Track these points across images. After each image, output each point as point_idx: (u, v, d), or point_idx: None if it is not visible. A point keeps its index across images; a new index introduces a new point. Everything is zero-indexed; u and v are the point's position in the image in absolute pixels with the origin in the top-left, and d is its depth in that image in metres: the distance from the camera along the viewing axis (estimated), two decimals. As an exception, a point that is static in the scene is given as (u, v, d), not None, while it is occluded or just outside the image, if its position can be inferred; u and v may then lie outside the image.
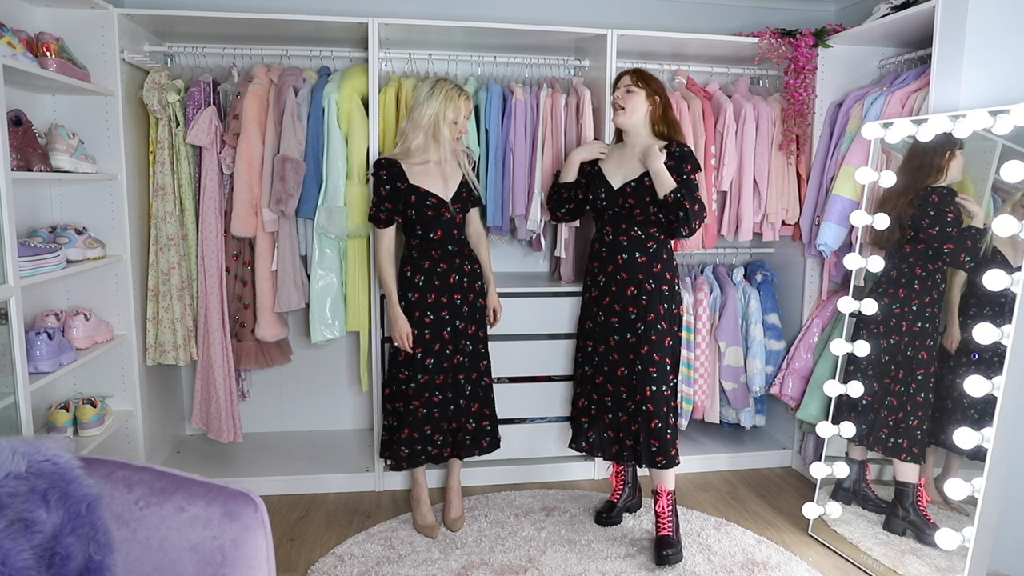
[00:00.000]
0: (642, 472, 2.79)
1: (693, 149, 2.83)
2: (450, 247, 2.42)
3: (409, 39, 2.90)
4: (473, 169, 2.61)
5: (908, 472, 2.31)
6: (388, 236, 2.40)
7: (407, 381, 2.41)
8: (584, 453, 2.59)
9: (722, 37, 2.90)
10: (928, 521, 2.26)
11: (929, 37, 2.36)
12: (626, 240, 2.38)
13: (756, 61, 3.02)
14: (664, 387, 2.33)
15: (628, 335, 2.38)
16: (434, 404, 2.41)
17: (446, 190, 2.40)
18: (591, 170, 2.48)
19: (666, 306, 2.36)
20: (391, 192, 2.34)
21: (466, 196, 2.46)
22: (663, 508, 2.39)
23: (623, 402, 2.40)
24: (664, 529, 2.37)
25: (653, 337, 2.33)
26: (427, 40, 2.92)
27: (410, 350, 2.38)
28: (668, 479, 2.38)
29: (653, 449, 2.32)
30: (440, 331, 2.41)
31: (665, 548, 2.32)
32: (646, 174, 2.33)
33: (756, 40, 2.89)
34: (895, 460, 2.34)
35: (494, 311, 2.59)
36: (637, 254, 2.37)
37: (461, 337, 2.45)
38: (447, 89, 2.34)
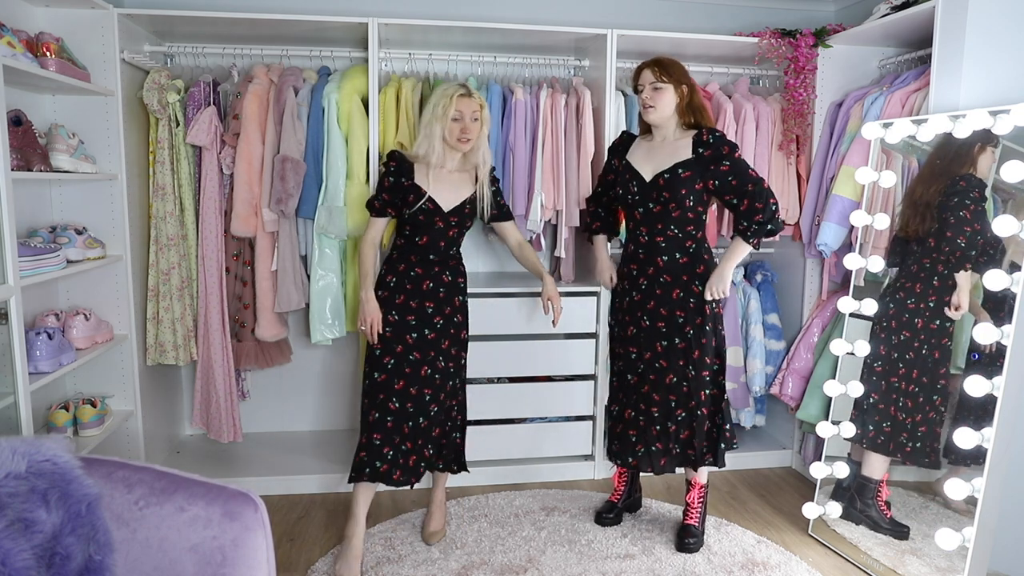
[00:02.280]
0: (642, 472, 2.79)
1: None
2: (432, 256, 2.31)
3: (409, 39, 2.90)
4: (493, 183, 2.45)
5: (874, 467, 2.36)
6: (378, 226, 2.34)
7: (366, 379, 2.30)
8: (632, 468, 2.48)
9: (722, 37, 2.90)
10: (885, 516, 2.34)
11: (929, 37, 2.36)
12: (663, 241, 2.28)
13: (756, 61, 3.02)
14: (714, 387, 2.32)
15: (677, 340, 2.28)
16: (389, 411, 2.23)
17: (448, 201, 2.29)
18: (620, 165, 2.40)
19: (711, 307, 2.29)
20: (393, 185, 2.28)
21: (468, 212, 2.33)
22: (693, 499, 2.44)
23: (672, 411, 2.31)
24: (690, 518, 2.43)
25: (703, 340, 2.27)
26: (427, 40, 2.92)
27: (374, 338, 2.26)
28: (702, 473, 2.42)
29: (704, 450, 2.32)
30: (403, 334, 2.27)
31: (688, 536, 2.38)
32: (680, 165, 2.23)
33: (756, 40, 2.89)
34: (866, 454, 2.38)
35: (551, 300, 2.44)
36: (678, 255, 2.28)
37: (430, 348, 2.29)
38: (444, 86, 2.27)
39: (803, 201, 2.98)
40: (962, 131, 2.12)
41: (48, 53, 2.16)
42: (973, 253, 2.15)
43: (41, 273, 2.04)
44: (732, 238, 2.33)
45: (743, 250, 2.27)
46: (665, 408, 2.32)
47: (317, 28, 2.71)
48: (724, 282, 2.25)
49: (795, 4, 3.35)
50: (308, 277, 2.81)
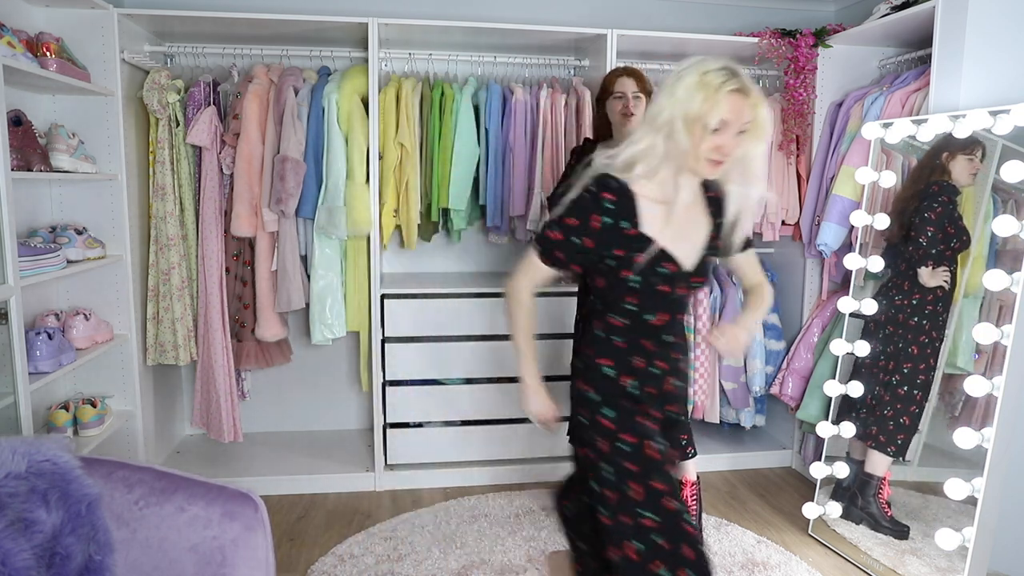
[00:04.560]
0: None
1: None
2: (665, 337, 1.53)
3: (409, 39, 2.90)
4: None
5: (876, 464, 2.36)
6: (543, 273, 1.55)
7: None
8: None
9: (722, 37, 2.90)
10: (886, 515, 2.34)
11: (929, 37, 2.36)
12: None
13: (756, 61, 3.01)
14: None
15: None
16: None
17: (689, 253, 1.48)
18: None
19: None
20: (608, 229, 1.43)
21: (709, 262, 1.55)
22: (686, 497, 2.44)
23: None
24: None
25: None
26: (427, 40, 2.92)
27: (551, 430, 1.69)
28: (691, 470, 2.43)
29: (682, 443, 2.35)
30: (648, 442, 1.49)
31: None
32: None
33: (756, 40, 2.89)
34: (869, 451, 2.39)
35: (735, 335, 1.56)
36: None
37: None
38: (703, 72, 1.33)
39: (803, 201, 2.98)
40: (962, 131, 2.12)
41: (48, 53, 2.16)
42: (934, 251, 2.24)
43: (41, 273, 2.04)
44: None
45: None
46: None
47: (317, 28, 2.71)
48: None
49: (795, 4, 3.35)
50: (308, 277, 2.81)
